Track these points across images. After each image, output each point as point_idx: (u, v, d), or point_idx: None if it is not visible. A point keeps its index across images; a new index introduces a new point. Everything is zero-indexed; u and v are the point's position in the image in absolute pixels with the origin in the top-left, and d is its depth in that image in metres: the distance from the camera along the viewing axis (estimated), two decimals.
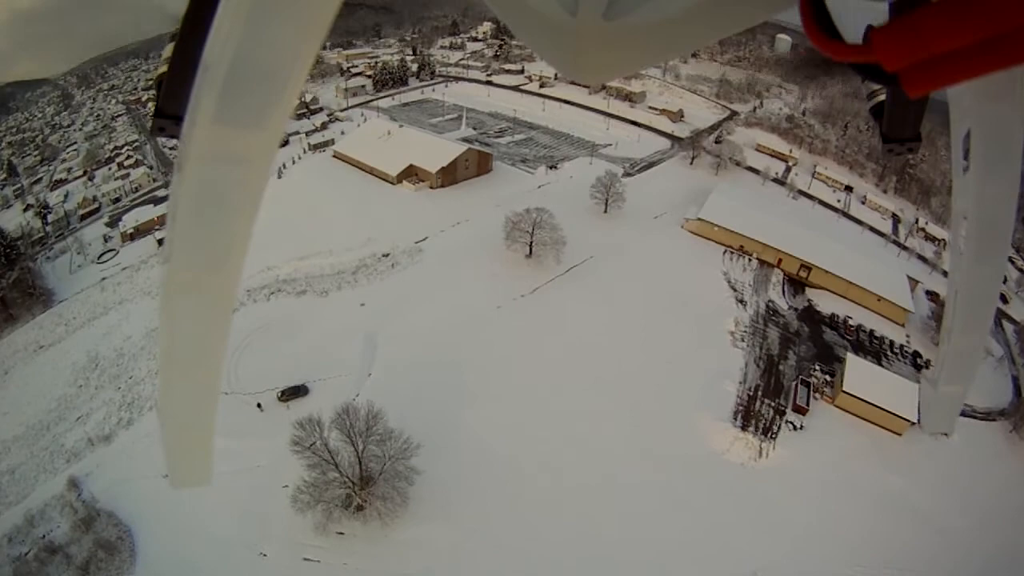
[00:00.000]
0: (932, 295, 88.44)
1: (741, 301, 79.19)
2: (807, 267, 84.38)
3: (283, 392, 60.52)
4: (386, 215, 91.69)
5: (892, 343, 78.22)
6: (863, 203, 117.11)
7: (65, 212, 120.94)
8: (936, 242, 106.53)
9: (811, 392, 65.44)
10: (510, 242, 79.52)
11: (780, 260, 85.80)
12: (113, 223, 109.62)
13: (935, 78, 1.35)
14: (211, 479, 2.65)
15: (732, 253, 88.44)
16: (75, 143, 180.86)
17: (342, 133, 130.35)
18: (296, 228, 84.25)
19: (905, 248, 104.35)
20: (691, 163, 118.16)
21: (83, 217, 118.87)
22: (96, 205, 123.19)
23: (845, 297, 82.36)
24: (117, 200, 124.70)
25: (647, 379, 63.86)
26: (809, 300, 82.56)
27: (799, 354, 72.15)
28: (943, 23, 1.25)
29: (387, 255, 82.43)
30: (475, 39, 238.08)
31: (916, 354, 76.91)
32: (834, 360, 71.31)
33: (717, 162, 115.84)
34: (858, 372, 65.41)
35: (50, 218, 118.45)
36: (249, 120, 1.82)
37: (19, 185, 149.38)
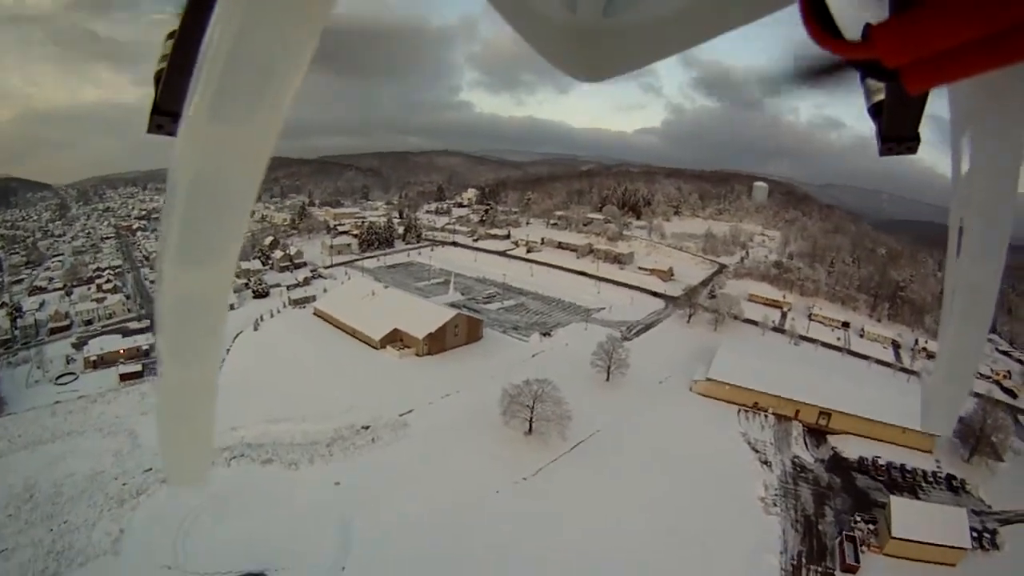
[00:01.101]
0: None
1: (766, 462, 73.09)
2: (826, 414, 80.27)
3: None
4: (368, 382, 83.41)
5: (925, 473, 73.91)
6: (861, 336, 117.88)
7: (35, 321, 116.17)
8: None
9: (857, 547, 59.46)
10: (508, 417, 71.34)
11: (797, 412, 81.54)
12: (79, 345, 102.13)
13: (935, 75, 1.34)
14: (208, 478, 2.65)
15: (746, 411, 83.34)
16: (62, 254, 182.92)
17: (324, 291, 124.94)
18: (268, 386, 76.29)
19: (913, 372, 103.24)
20: (688, 321, 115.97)
21: (52, 331, 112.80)
22: (67, 322, 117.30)
23: (869, 437, 78.21)
24: (89, 322, 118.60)
25: (680, 568, 54.95)
26: (833, 448, 77.59)
27: (836, 508, 66.50)
28: (944, 20, 1.24)
29: (367, 427, 73.21)
30: (460, 205, 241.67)
31: (951, 477, 73.23)
32: (872, 506, 66.22)
33: (715, 318, 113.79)
34: (903, 513, 60.47)
35: (19, 323, 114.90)
36: (245, 117, 1.85)
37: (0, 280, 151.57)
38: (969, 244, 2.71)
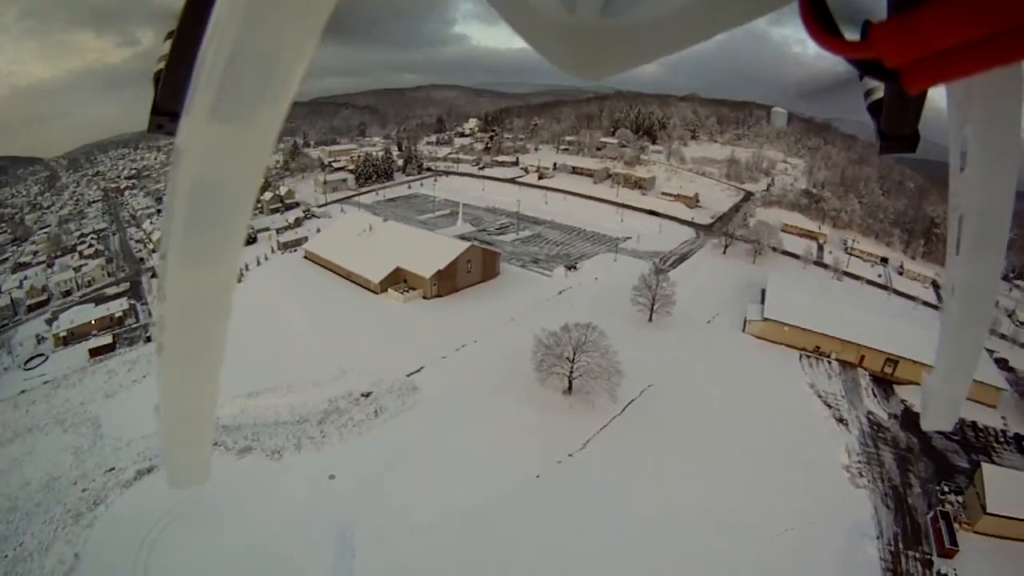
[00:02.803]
0: (1002, 364, 74.96)
1: (841, 420, 60.91)
2: (892, 361, 69.37)
3: None
4: (367, 335, 67.03)
5: (996, 432, 63.81)
6: (900, 273, 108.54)
7: (12, 300, 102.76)
8: None
9: (952, 526, 48.84)
10: (542, 373, 55.35)
11: (862, 358, 70.84)
12: (52, 320, 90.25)
13: (935, 74, 1.33)
14: (208, 478, 2.60)
15: (808, 356, 71.79)
16: (49, 226, 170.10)
17: (318, 231, 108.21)
18: (248, 351, 59.27)
19: (939, 308, 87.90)
20: (724, 252, 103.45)
21: (30, 308, 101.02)
22: (45, 296, 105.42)
23: None
24: (67, 293, 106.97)
25: (772, 562, 41.72)
26: (903, 401, 66.14)
27: (920, 476, 55.40)
28: (944, 19, 1.23)
29: (368, 395, 57.28)
30: (462, 135, 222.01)
31: (1019, 437, 63.40)
32: (954, 472, 56.12)
33: (754, 249, 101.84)
34: (997, 485, 50.20)
35: None
36: (245, 116, 1.84)
37: None
38: (968, 242, 2.66)
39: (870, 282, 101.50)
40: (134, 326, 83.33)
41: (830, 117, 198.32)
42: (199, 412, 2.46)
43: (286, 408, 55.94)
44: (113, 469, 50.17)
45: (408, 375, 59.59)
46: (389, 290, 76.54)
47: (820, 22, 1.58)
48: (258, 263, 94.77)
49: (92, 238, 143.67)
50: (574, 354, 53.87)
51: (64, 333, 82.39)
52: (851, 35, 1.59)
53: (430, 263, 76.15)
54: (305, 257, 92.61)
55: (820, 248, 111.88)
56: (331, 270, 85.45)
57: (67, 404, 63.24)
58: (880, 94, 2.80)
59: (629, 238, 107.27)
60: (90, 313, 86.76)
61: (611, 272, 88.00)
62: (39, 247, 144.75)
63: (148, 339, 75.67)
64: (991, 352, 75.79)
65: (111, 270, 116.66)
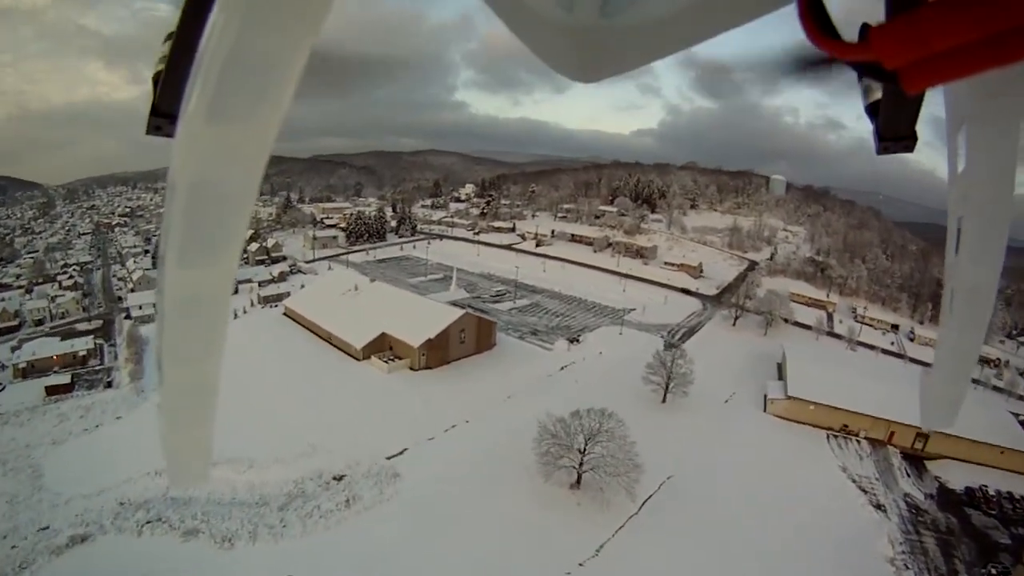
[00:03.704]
0: None
1: (879, 506, 55.03)
2: (923, 436, 64.55)
3: None
4: (344, 409, 58.67)
5: None
6: (911, 339, 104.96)
7: None
8: (992, 364, 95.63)
9: None
10: (548, 467, 47.39)
11: (892, 434, 65.75)
12: (17, 348, 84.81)
13: (933, 75, 1.34)
14: (209, 478, 2.66)
15: (836, 436, 66.28)
16: (37, 251, 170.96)
17: (302, 287, 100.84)
18: (218, 417, 49.96)
19: (977, 382, 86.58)
20: (734, 324, 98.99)
21: (1, 332, 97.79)
22: (16, 322, 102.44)
23: (966, 460, 63.83)
24: (39, 322, 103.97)
25: None
26: (936, 478, 62.10)
27: (965, 560, 50.19)
28: (941, 21, 1.23)
29: (340, 478, 49.11)
30: (458, 199, 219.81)
31: None
32: (997, 550, 51.50)
33: (765, 320, 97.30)
34: None
35: None
36: (244, 118, 1.84)
37: None
38: (967, 244, 2.67)
39: (885, 351, 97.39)
40: (97, 368, 77.23)
41: (824, 186, 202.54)
42: (199, 413, 2.42)
43: (244, 486, 47.67)
44: (47, 528, 43.47)
45: (388, 458, 51.30)
46: (372, 357, 68.51)
47: (818, 24, 1.58)
48: (235, 316, 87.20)
49: (75, 269, 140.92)
50: (585, 444, 46.07)
51: (24, 365, 76.46)
52: (849, 37, 1.59)
53: (419, 330, 68.35)
54: (284, 314, 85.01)
55: (829, 317, 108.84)
56: (311, 330, 77.75)
57: (12, 444, 56.25)
58: (878, 95, 2.66)
59: (633, 309, 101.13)
60: (54, 347, 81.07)
61: (617, 346, 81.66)
62: (23, 271, 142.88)
63: (109, 384, 69.94)
64: (1016, 415, 72.18)
65: (86, 304, 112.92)
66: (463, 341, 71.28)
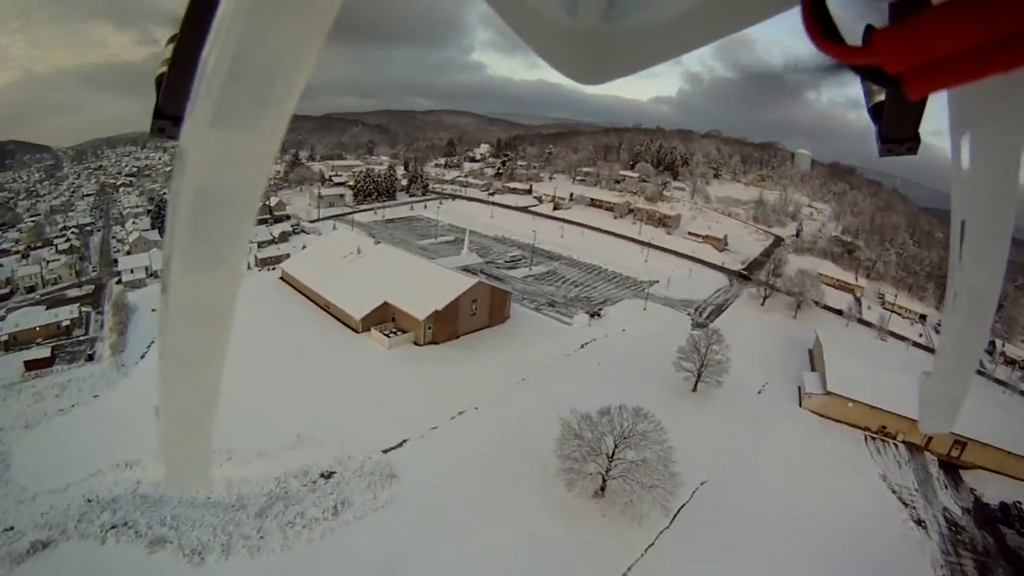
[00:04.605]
0: None
1: (920, 522, 49.37)
2: (960, 443, 59.57)
3: None
4: (338, 391, 51.25)
5: None
6: (938, 332, 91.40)
7: None
8: (1019, 366, 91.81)
9: None
10: (569, 473, 39.78)
11: (930, 439, 60.56)
12: (2, 319, 79.10)
13: (936, 80, 1.33)
14: (209, 481, 2.53)
15: (874, 438, 60.81)
16: (40, 215, 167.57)
17: (304, 248, 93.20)
18: None
19: (1004, 384, 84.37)
20: (762, 304, 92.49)
21: None
22: (8, 289, 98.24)
23: (1000, 472, 58.80)
24: (31, 289, 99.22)
25: None
26: (972, 490, 57.00)
27: None
28: (945, 26, 1.22)
29: (329, 476, 42.15)
30: (473, 159, 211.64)
31: None
32: None
33: (797, 302, 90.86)
34: None
35: None
36: (249, 121, 1.80)
37: None
38: (970, 246, 2.60)
39: (916, 343, 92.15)
40: (81, 338, 72.21)
41: (854, 164, 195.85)
42: (200, 417, 2.37)
43: (221, 483, 40.77)
44: (11, 530, 38.15)
45: (385, 451, 44.06)
46: (373, 330, 60.89)
47: (822, 27, 1.54)
48: None
49: (72, 232, 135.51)
50: (614, 449, 38.59)
51: (6, 337, 71.25)
52: (853, 40, 1.54)
53: (426, 300, 60.67)
54: (281, 278, 77.59)
55: (858, 301, 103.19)
56: (309, 297, 70.37)
57: None
58: (881, 96, 2.62)
59: (657, 281, 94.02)
60: (38, 317, 75.66)
61: (641, 322, 74.76)
62: (22, 236, 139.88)
63: (90, 358, 64.95)
64: None
65: (79, 269, 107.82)
66: (474, 313, 63.56)
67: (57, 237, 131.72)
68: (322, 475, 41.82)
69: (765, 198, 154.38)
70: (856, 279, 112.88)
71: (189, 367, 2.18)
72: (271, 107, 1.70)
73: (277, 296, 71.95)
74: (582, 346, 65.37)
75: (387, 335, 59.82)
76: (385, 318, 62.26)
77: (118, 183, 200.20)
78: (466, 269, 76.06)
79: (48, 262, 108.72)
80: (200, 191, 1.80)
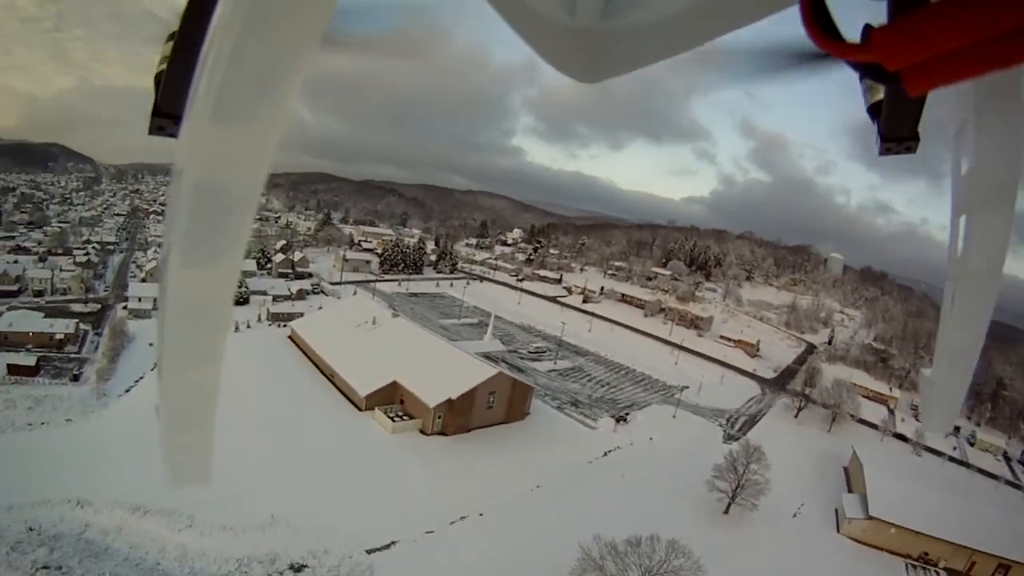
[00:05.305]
0: None
1: None
2: (1004, 566, 57.70)
3: None
4: (326, 472, 46.16)
5: None
6: (971, 444, 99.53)
7: None
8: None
9: None
10: None
11: (972, 564, 58.39)
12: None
13: (935, 77, 1.35)
14: (210, 477, 2.61)
15: (915, 566, 57.71)
16: (68, 223, 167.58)
17: (319, 308, 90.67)
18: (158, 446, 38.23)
19: None
20: (796, 416, 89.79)
21: None
22: (16, 287, 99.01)
23: None
24: (39, 293, 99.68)
25: None
26: None
27: None
28: (943, 23, 1.25)
29: (299, 569, 37.13)
30: (505, 243, 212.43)
31: None
32: None
33: (831, 415, 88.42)
34: None
35: None
36: (247, 119, 1.84)
37: None
38: (970, 242, 2.69)
39: (951, 458, 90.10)
40: (71, 355, 71.78)
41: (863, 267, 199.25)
42: (199, 412, 2.38)
43: (175, 550, 37.01)
44: None
45: (369, 551, 38.79)
46: (376, 410, 55.91)
47: (821, 25, 1.60)
48: (236, 329, 77.81)
49: (94, 247, 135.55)
50: None
51: None
52: (852, 37, 1.61)
53: (440, 386, 55.82)
54: (290, 337, 73.83)
55: (891, 413, 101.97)
56: (314, 362, 66.18)
57: None
58: (879, 95, 2.76)
59: (687, 387, 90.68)
60: (35, 323, 76.09)
61: (670, 431, 71.20)
62: (46, 238, 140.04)
63: (75, 378, 64.07)
64: None
65: (90, 285, 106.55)
66: (491, 406, 58.63)
67: (78, 248, 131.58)
68: (291, 567, 36.97)
69: (798, 303, 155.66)
70: (890, 389, 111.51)
71: (188, 364, 2.20)
72: (269, 103, 1.75)
73: (281, 355, 68.12)
74: (605, 454, 60.93)
75: (392, 418, 54.93)
76: (392, 399, 57.55)
77: (151, 209, 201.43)
78: (487, 356, 71.72)
79: (62, 270, 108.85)
80: (200, 187, 1.83)
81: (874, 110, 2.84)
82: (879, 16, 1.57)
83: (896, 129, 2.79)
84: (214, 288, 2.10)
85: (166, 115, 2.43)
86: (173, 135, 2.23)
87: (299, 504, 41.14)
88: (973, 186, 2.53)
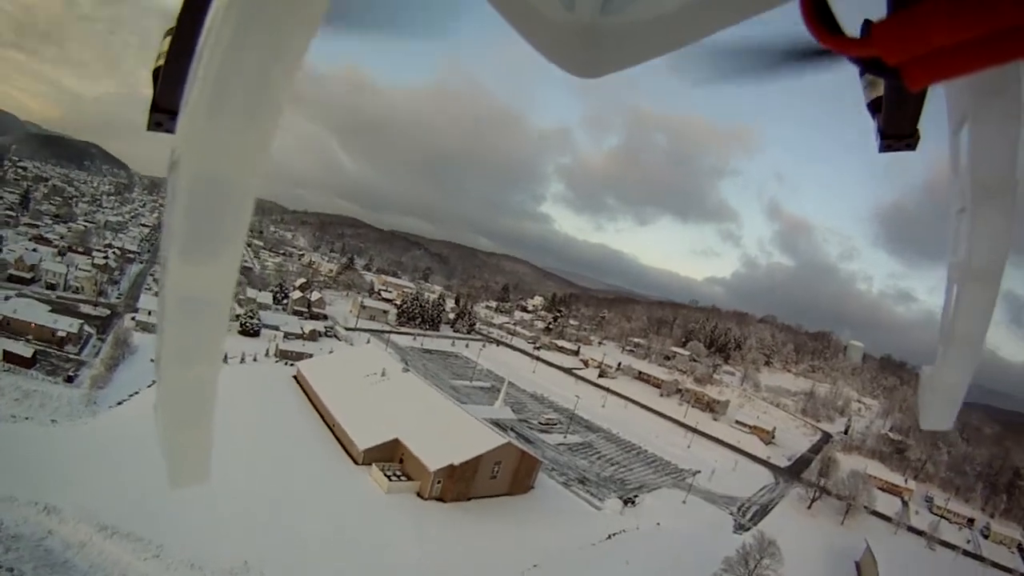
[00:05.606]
0: None
1: None
2: None
3: None
4: (311, 524, 42.86)
5: None
6: (986, 536, 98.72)
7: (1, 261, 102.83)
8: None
9: None
10: None
11: None
12: (6, 300, 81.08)
13: (935, 71, 1.36)
14: (210, 477, 2.53)
15: None
16: (93, 224, 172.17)
17: (329, 352, 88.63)
18: (136, 469, 38.54)
19: None
20: (809, 507, 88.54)
21: (11, 279, 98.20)
22: (31, 276, 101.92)
23: None
24: (52, 286, 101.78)
25: None
26: None
27: None
28: (943, 17, 1.24)
29: None
30: (525, 310, 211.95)
31: None
32: None
33: (845, 507, 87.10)
34: None
35: None
36: (244, 113, 1.86)
37: (16, 216, 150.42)
38: (970, 239, 2.67)
39: (965, 552, 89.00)
40: (70, 355, 72.57)
41: (882, 355, 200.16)
42: (198, 411, 2.33)
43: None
44: None
45: None
46: (374, 466, 52.86)
47: (821, 20, 1.59)
48: (241, 361, 76.77)
49: (114, 252, 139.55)
50: None
51: (1, 319, 73.31)
52: (852, 32, 1.63)
53: (443, 450, 52.95)
54: (295, 377, 71.82)
55: (905, 505, 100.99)
56: (316, 407, 63.67)
57: None
58: (879, 91, 2.73)
59: (699, 472, 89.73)
60: (39, 316, 76.67)
61: (679, 517, 68.70)
62: (69, 234, 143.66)
63: (70, 379, 64.44)
64: None
65: (103, 289, 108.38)
66: (495, 476, 55.39)
67: (98, 250, 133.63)
68: None
69: (816, 390, 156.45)
70: (905, 480, 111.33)
71: (186, 361, 2.15)
72: (266, 98, 1.76)
73: (284, 395, 65.78)
74: (610, 536, 57.33)
75: (389, 476, 51.72)
76: (392, 456, 54.58)
77: None
78: (496, 423, 68.84)
79: (79, 268, 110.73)
80: (197, 182, 1.84)
81: (874, 107, 2.77)
82: (878, 12, 1.59)
83: (896, 126, 2.74)
84: (213, 284, 2.05)
85: (164, 111, 2.39)
86: (170, 131, 2.17)
87: (275, 553, 38.08)
88: (972, 182, 2.49)
